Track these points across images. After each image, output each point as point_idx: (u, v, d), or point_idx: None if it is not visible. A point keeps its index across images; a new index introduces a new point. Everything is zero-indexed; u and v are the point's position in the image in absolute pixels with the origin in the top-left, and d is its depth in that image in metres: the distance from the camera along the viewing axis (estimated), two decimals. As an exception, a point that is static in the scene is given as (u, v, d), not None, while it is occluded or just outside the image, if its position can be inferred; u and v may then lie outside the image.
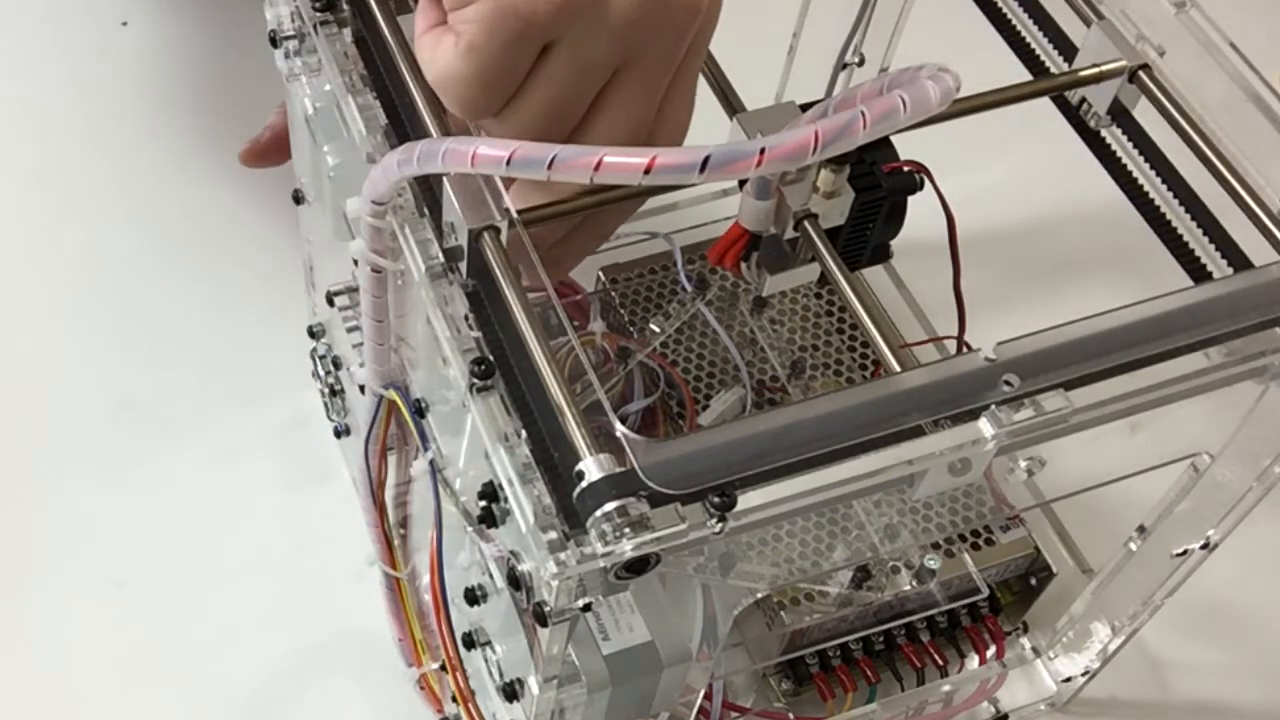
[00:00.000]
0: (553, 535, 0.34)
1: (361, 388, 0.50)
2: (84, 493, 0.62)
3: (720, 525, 0.34)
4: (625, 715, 0.43)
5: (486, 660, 0.46)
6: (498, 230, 0.38)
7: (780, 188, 0.41)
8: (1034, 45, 0.50)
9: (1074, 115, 0.48)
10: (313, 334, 0.63)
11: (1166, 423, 0.41)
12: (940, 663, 0.57)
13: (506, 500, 0.36)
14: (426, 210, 0.40)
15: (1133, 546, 0.51)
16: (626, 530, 0.33)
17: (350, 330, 0.57)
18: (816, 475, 0.35)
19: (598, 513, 0.33)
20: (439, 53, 0.40)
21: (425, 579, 0.52)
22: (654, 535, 0.33)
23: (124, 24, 0.79)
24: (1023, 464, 0.40)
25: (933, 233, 0.50)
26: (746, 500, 0.34)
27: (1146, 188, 0.47)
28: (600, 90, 0.42)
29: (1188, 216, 0.45)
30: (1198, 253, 0.45)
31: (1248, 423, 0.44)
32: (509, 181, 0.40)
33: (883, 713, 0.57)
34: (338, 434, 0.63)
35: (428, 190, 0.41)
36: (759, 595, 0.52)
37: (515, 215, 0.39)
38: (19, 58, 0.77)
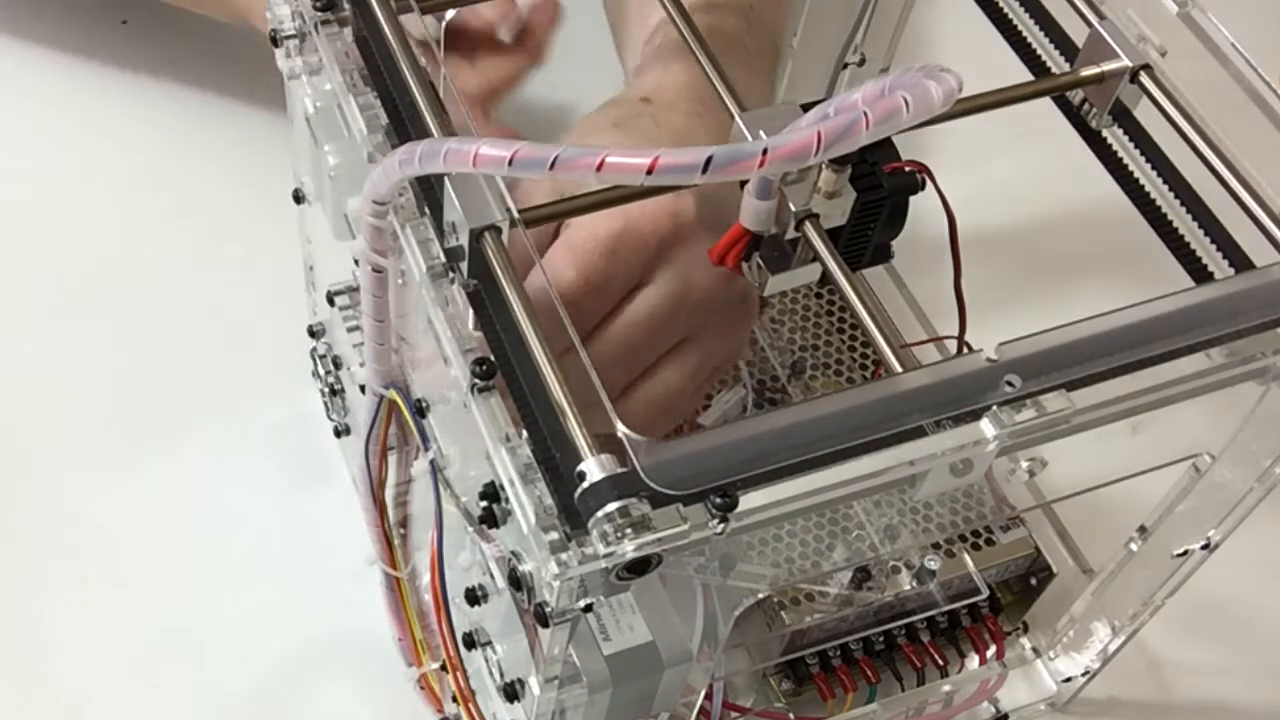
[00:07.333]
0: (554, 536, 0.34)
1: (362, 387, 0.50)
2: (84, 492, 0.62)
3: (722, 526, 0.34)
4: (626, 715, 0.43)
5: (487, 660, 0.46)
6: (499, 230, 0.38)
7: (781, 188, 0.41)
8: (1035, 45, 0.50)
9: (1075, 115, 0.48)
10: (313, 334, 0.63)
11: (1168, 423, 0.41)
12: (940, 663, 0.57)
13: (508, 501, 0.36)
14: (428, 210, 0.40)
15: (1133, 547, 0.51)
16: (628, 531, 0.33)
17: (350, 330, 0.57)
18: (818, 476, 0.35)
19: (599, 513, 0.33)
20: None
21: (425, 579, 0.52)
22: (655, 536, 0.33)
23: (124, 23, 0.79)
24: (1024, 464, 0.40)
25: (934, 233, 0.50)
26: (748, 501, 0.34)
27: (1148, 188, 0.47)
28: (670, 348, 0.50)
29: (1189, 217, 0.45)
30: (1199, 253, 0.45)
31: (1249, 424, 0.44)
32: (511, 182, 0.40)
33: (883, 713, 0.57)
34: (338, 434, 0.63)
35: (429, 190, 0.41)
36: (760, 596, 0.52)
37: (516, 215, 0.39)
38: (18, 57, 0.77)
